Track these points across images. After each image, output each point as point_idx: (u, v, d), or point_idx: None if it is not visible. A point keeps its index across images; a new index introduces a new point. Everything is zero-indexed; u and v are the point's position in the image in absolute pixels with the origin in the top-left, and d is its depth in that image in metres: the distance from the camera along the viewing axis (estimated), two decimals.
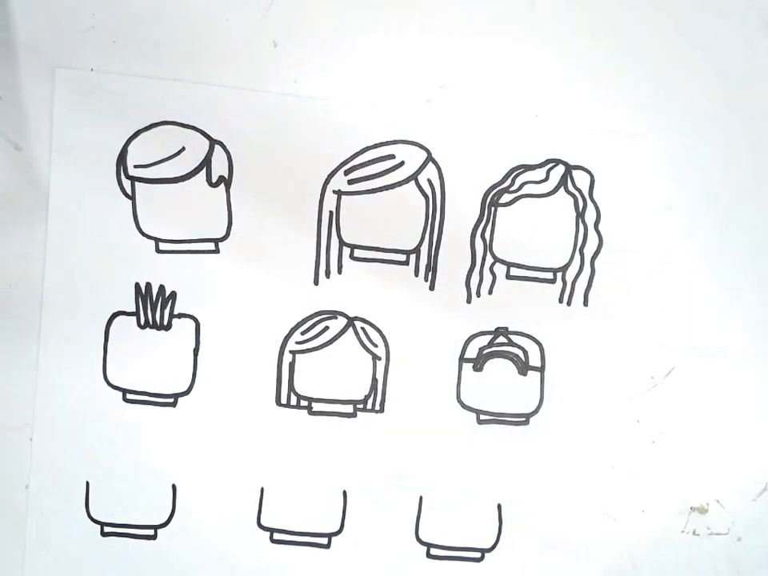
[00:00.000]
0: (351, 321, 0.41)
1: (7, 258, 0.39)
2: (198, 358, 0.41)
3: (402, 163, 0.40)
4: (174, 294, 0.40)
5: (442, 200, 0.40)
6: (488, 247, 0.41)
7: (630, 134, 0.40)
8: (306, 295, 0.41)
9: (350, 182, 0.40)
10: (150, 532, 0.41)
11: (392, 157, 0.40)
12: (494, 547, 0.43)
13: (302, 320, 0.41)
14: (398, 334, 0.41)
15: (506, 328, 0.41)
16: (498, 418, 0.42)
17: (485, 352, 0.41)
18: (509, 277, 0.41)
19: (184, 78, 0.39)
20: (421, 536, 0.42)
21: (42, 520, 0.41)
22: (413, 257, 0.41)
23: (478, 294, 0.41)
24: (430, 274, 0.41)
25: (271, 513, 0.42)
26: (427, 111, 0.40)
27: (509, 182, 0.40)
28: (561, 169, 0.40)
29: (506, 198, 0.40)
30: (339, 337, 0.41)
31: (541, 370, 0.42)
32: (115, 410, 0.40)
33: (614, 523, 0.43)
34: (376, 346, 0.41)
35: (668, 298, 0.42)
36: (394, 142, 0.40)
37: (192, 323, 0.40)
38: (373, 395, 0.41)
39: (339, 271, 0.41)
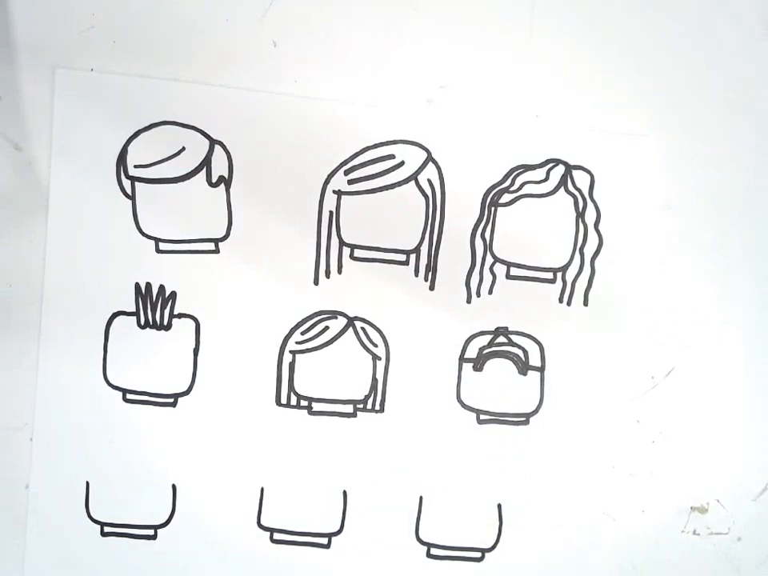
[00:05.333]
0: (351, 321, 0.41)
1: (7, 258, 0.39)
2: (198, 357, 0.41)
3: (402, 163, 0.40)
4: (174, 294, 0.40)
5: (442, 200, 0.40)
6: (488, 247, 0.41)
7: (630, 134, 0.40)
8: (306, 295, 0.41)
9: (350, 182, 0.40)
10: (150, 532, 0.41)
11: (392, 157, 0.40)
12: (493, 547, 0.43)
13: (302, 320, 0.41)
14: (397, 334, 0.41)
15: (506, 328, 0.41)
16: (498, 418, 0.42)
17: (485, 352, 0.41)
18: (509, 277, 0.41)
19: (184, 78, 0.39)
20: (421, 536, 0.42)
21: (41, 520, 0.41)
22: (413, 257, 0.41)
23: (478, 294, 0.41)
24: (430, 274, 0.41)
25: (271, 513, 0.42)
26: (427, 111, 0.40)
27: (509, 182, 0.40)
28: (561, 169, 0.40)
29: (506, 198, 0.40)
30: (339, 337, 0.41)
31: (541, 370, 0.42)
32: (115, 410, 0.40)
33: (613, 523, 0.43)
34: (376, 345, 0.41)
35: (668, 298, 0.42)
36: (394, 142, 0.40)
37: (192, 323, 0.40)
38: (373, 395, 0.41)
39: (339, 271, 0.41)
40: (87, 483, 0.41)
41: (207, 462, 0.41)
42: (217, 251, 0.40)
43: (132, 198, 0.39)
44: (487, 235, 0.41)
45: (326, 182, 0.40)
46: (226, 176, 0.39)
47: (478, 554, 0.43)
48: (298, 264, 0.40)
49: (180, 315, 0.40)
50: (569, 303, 0.41)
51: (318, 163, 0.39)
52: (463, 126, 0.40)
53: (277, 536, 0.42)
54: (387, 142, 0.40)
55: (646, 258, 0.41)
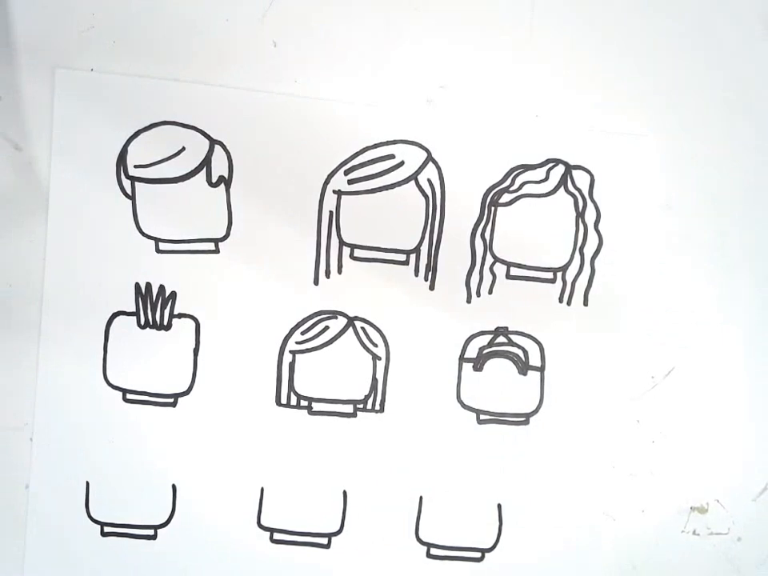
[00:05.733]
0: (351, 321, 0.41)
1: (7, 258, 0.39)
2: (198, 357, 0.41)
3: (401, 163, 0.40)
4: (174, 294, 0.40)
5: (442, 200, 0.40)
6: (488, 247, 0.41)
7: (630, 134, 0.40)
8: (306, 295, 0.41)
9: (350, 181, 0.40)
10: (150, 532, 0.41)
11: (392, 157, 0.40)
12: (494, 547, 0.43)
13: (302, 320, 0.41)
14: (397, 334, 0.41)
15: (506, 328, 0.41)
16: (498, 418, 0.42)
17: (485, 352, 0.41)
18: (509, 277, 0.41)
19: (184, 78, 0.39)
20: (421, 536, 0.42)
21: (41, 520, 0.41)
22: (413, 257, 0.41)
23: (478, 294, 0.41)
24: (430, 274, 0.41)
25: (271, 513, 0.42)
26: (427, 111, 0.40)
27: (509, 181, 0.40)
28: (561, 169, 0.40)
29: (506, 197, 0.40)
30: (339, 337, 0.41)
31: (541, 370, 0.42)
32: (115, 410, 0.40)
33: (613, 523, 0.43)
34: (376, 345, 0.41)
35: (668, 298, 0.42)
36: (394, 142, 0.40)
37: (192, 323, 0.40)
38: (373, 395, 0.41)
39: (339, 271, 0.41)
40: (87, 483, 0.41)
41: (207, 462, 0.41)
42: (217, 251, 0.40)
43: (132, 198, 0.39)
44: (487, 235, 0.41)
45: (326, 182, 0.40)
46: (226, 176, 0.39)
47: (478, 554, 0.43)
48: (298, 264, 0.40)
49: (180, 315, 0.40)
50: (569, 303, 0.41)
51: (318, 163, 0.39)
52: (463, 126, 0.40)
53: (277, 536, 0.42)
54: (387, 141, 0.40)
55: (645, 258, 0.41)
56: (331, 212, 0.40)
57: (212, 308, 0.40)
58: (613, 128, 0.40)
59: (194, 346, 0.40)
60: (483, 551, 0.43)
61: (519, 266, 0.41)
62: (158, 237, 0.40)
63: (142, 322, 0.40)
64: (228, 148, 0.39)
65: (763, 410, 0.43)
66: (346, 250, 0.40)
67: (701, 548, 0.44)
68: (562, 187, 0.40)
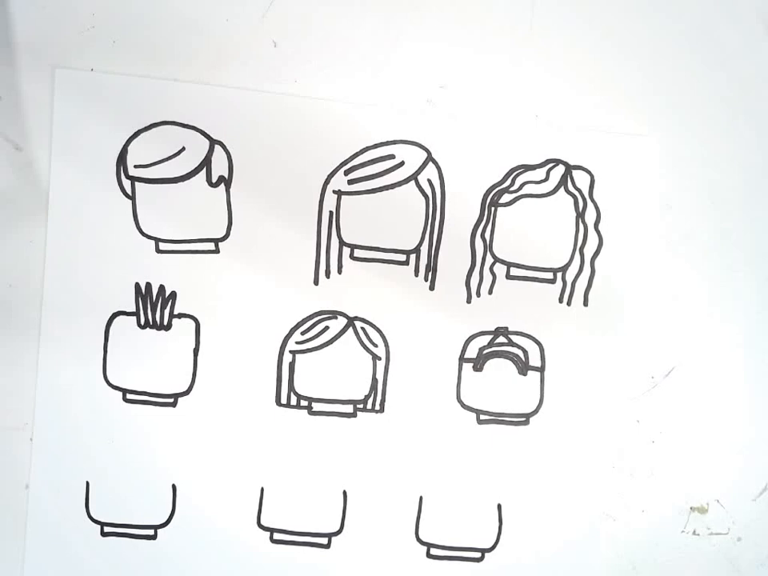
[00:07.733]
0: (351, 321, 0.41)
1: (7, 258, 0.39)
2: (198, 358, 0.41)
3: (402, 163, 0.40)
4: (174, 294, 0.40)
5: (442, 200, 0.40)
6: (488, 247, 0.41)
7: (630, 134, 0.40)
8: (306, 295, 0.41)
9: (350, 182, 0.40)
10: (150, 532, 0.41)
11: (392, 157, 0.40)
12: (494, 547, 0.43)
13: (302, 320, 0.41)
14: (397, 334, 0.41)
15: (506, 328, 0.41)
16: (497, 418, 0.42)
17: (485, 352, 0.41)
18: (509, 277, 0.41)
19: (184, 78, 0.39)
20: (421, 536, 0.42)
21: (42, 520, 0.41)
22: (413, 257, 0.41)
23: (478, 294, 0.41)
24: (430, 274, 0.41)
25: (271, 513, 0.42)
26: (427, 111, 0.40)
27: (509, 181, 0.40)
28: (561, 169, 0.40)
29: (506, 198, 0.40)
30: (339, 337, 0.41)
31: (541, 370, 0.42)
32: (115, 410, 0.40)
33: (614, 523, 0.43)
34: (376, 345, 0.41)
35: (668, 299, 0.42)
36: (394, 142, 0.40)
37: (192, 323, 0.40)
38: (373, 395, 0.41)
39: (339, 271, 0.41)
40: (87, 483, 0.41)
41: (207, 462, 0.41)
42: (217, 251, 0.40)
43: (132, 198, 0.39)
44: (487, 235, 0.41)
45: (326, 182, 0.40)
46: (226, 176, 0.39)
47: (478, 554, 0.43)
48: (298, 264, 0.40)
49: (180, 315, 0.40)
50: (569, 303, 0.41)
51: (318, 163, 0.39)
52: (463, 126, 0.40)
53: (277, 536, 0.42)
54: (387, 142, 0.40)
55: (645, 258, 0.41)
56: (331, 212, 0.40)
57: (212, 308, 0.40)
58: (613, 128, 0.40)
59: (193, 346, 0.40)
60: (483, 551, 0.43)
61: (519, 266, 0.41)
62: (158, 237, 0.40)
63: (142, 321, 0.40)
64: (228, 148, 0.39)
65: (763, 409, 0.43)
66: (346, 250, 0.40)
67: (701, 548, 0.44)
68: (562, 187, 0.40)
